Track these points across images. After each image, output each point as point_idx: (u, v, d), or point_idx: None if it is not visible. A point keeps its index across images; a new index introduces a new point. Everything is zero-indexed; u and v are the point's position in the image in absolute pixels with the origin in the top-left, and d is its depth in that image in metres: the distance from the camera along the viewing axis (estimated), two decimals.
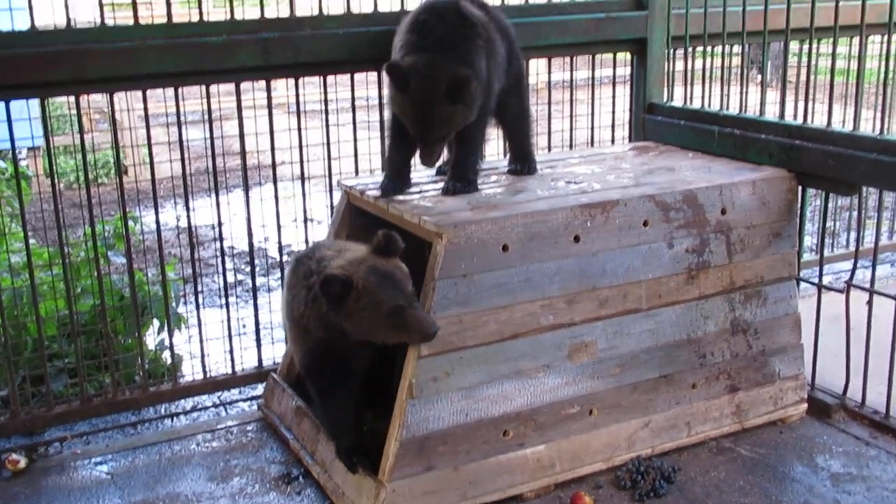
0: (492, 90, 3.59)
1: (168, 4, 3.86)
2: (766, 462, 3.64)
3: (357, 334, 3.12)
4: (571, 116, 4.83)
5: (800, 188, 3.90)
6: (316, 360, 3.33)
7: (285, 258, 4.29)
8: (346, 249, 3.27)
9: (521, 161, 3.95)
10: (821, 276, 4.01)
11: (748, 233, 3.75)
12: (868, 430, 3.86)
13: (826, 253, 4.51)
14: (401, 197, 3.61)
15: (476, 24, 3.48)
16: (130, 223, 4.29)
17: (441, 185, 3.68)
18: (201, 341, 4.24)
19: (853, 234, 5.86)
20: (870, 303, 3.87)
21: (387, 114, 3.72)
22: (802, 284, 4.08)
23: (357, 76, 4.22)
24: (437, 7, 3.50)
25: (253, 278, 4.32)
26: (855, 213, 5.84)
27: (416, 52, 3.38)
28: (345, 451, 3.38)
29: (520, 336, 3.34)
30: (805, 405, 3.98)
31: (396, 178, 3.64)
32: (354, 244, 3.35)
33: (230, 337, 4.30)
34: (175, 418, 4.26)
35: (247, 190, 4.16)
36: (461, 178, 3.62)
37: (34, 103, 4.07)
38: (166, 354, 4.44)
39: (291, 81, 4.16)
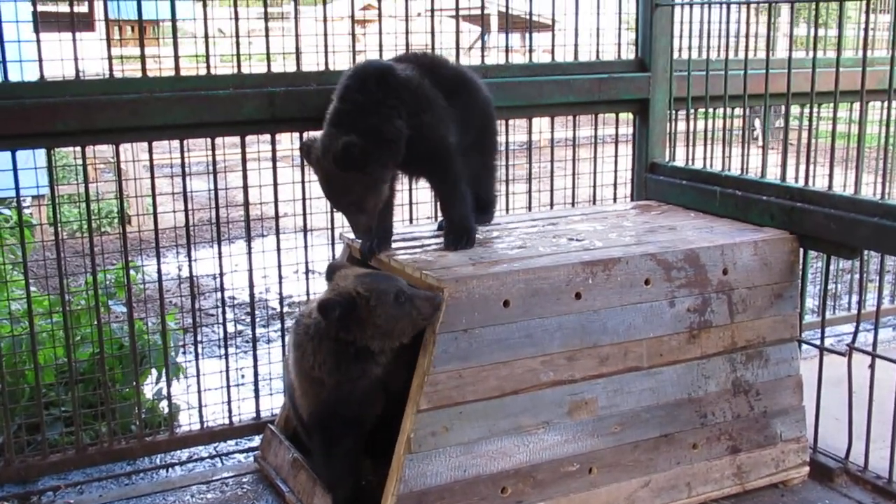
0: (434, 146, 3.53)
1: (176, 58, 3.91)
2: None
3: (378, 342, 3.19)
4: (574, 174, 4.86)
5: (801, 250, 3.91)
6: (327, 410, 3.32)
7: (286, 309, 4.29)
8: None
9: (481, 211, 3.92)
10: (822, 338, 3.99)
11: (750, 293, 3.75)
12: (871, 495, 3.82)
13: (828, 315, 4.51)
14: (402, 251, 3.62)
15: (399, 90, 3.39)
16: (132, 272, 4.29)
17: (438, 239, 3.69)
18: (199, 391, 4.22)
19: (855, 297, 5.86)
20: (872, 366, 3.84)
21: None
22: (804, 346, 4.07)
23: None
24: (367, 71, 3.45)
25: (253, 329, 4.31)
26: (857, 276, 5.84)
27: (329, 126, 3.37)
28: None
29: (520, 392, 3.32)
30: (807, 468, 3.94)
31: (381, 238, 3.62)
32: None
33: (228, 387, 4.28)
34: (170, 469, 4.22)
35: (249, 241, 4.17)
36: (456, 232, 3.61)
37: (40, 152, 4.10)
38: (164, 404, 4.42)
39: (296, 135, 4.20)
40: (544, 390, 3.37)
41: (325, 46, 4.12)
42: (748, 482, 3.82)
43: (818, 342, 3.99)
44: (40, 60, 3.68)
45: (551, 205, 4.88)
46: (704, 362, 3.67)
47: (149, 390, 4.53)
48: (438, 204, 3.72)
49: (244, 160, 4.11)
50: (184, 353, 4.80)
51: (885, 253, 4.03)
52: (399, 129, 3.34)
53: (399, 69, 3.49)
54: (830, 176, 3.91)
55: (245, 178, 4.13)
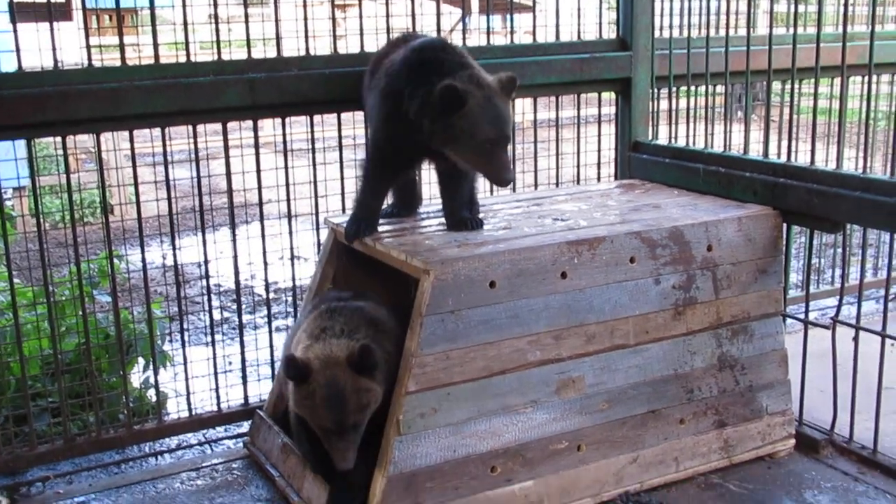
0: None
1: (155, 46, 3.89)
2: (755, 497, 3.63)
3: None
4: (557, 154, 4.86)
5: (785, 225, 3.93)
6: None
7: (272, 295, 4.29)
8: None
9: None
10: (807, 312, 4.03)
11: (734, 269, 3.77)
12: (856, 465, 3.86)
13: (811, 289, 4.53)
14: (387, 234, 3.62)
15: (465, 64, 3.49)
16: (116, 262, 4.28)
17: (421, 222, 3.75)
18: (187, 379, 4.21)
19: (838, 271, 5.90)
20: (856, 339, 3.88)
21: (364, 153, 3.76)
22: (788, 321, 4.10)
23: (344, 115, 4.25)
24: (436, 40, 3.59)
25: (239, 316, 4.30)
26: (840, 251, 5.88)
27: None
28: None
29: (507, 372, 3.34)
30: (793, 441, 3.98)
31: (368, 221, 3.64)
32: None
33: (216, 374, 4.27)
34: (159, 457, 4.23)
35: (233, 228, 4.16)
36: (473, 210, 3.75)
37: (20, 143, 4.07)
38: (151, 392, 4.41)
39: (278, 121, 4.19)
40: (532, 370, 3.38)
41: (306, 31, 4.11)
42: (735, 455, 3.85)
43: (803, 316, 4.03)
44: (18, 51, 3.65)
45: (535, 185, 4.89)
46: (690, 338, 3.69)
47: (136, 379, 4.53)
48: (451, 190, 3.73)
49: (226, 147, 4.10)
50: (170, 341, 4.79)
51: (867, 226, 4.07)
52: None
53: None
54: (812, 151, 3.93)
55: (228, 165, 4.11)
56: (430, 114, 3.32)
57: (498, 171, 3.38)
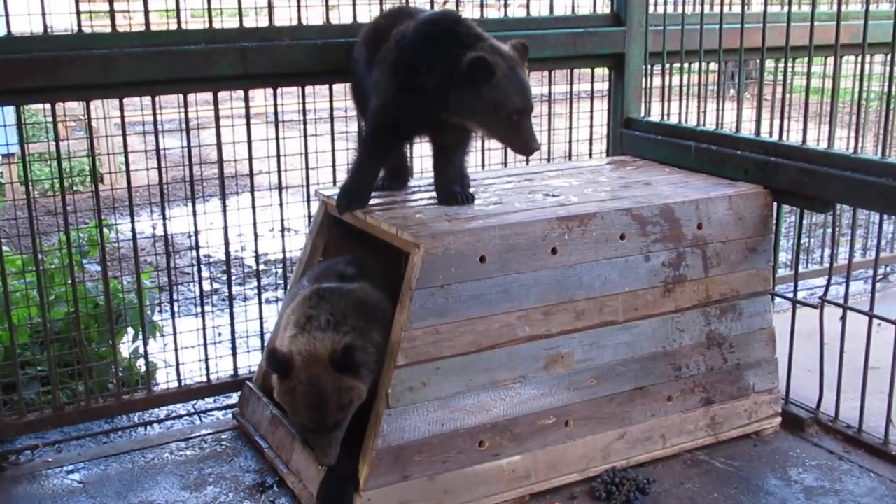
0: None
1: (146, 13, 3.85)
2: (740, 475, 3.66)
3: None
4: (549, 130, 4.85)
5: (775, 204, 3.94)
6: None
7: (262, 267, 4.28)
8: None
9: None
10: (795, 291, 4.04)
11: (724, 247, 3.77)
12: (841, 444, 3.89)
13: (800, 269, 4.55)
14: (378, 207, 3.61)
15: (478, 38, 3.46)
16: (105, 231, 4.26)
17: (412, 196, 3.73)
18: (176, 350, 4.21)
19: (827, 251, 5.92)
20: (843, 318, 3.90)
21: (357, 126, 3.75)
22: (777, 299, 4.12)
23: (335, 87, 4.23)
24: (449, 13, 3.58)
25: (229, 287, 4.29)
26: (829, 230, 5.89)
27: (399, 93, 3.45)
28: None
29: (497, 347, 3.34)
30: (779, 419, 4.01)
31: (360, 195, 3.62)
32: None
33: (205, 345, 4.27)
34: (148, 427, 4.23)
35: (224, 199, 4.15)
36: (464, 184, 3.72)
37: (9, 110, 4.04)
38: (141, 363, 4.41)
39: (270, 91, 4.16)
40: (521, 345, 3.39)
41: (298, 0, 4.07)
42: (721, 433, 3.88)
43: (791, 295, 4.04)
44: (7, 16, 3.61)
45: (527, 161, 4.87)
46: (679, 316, 3.70)
47: (125, 349, 4.52)
48: (443, 160, 3.72)
49: (217, 117, 4.07)
50: (160, 311, 4.78)
51: (857, 206, 4.08)
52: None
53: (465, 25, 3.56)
54: (804, 130, 3.94)
55: (218, 135, 4.09)
56: (457, 86, 3.31)
57: (525, 141, 3.40)
